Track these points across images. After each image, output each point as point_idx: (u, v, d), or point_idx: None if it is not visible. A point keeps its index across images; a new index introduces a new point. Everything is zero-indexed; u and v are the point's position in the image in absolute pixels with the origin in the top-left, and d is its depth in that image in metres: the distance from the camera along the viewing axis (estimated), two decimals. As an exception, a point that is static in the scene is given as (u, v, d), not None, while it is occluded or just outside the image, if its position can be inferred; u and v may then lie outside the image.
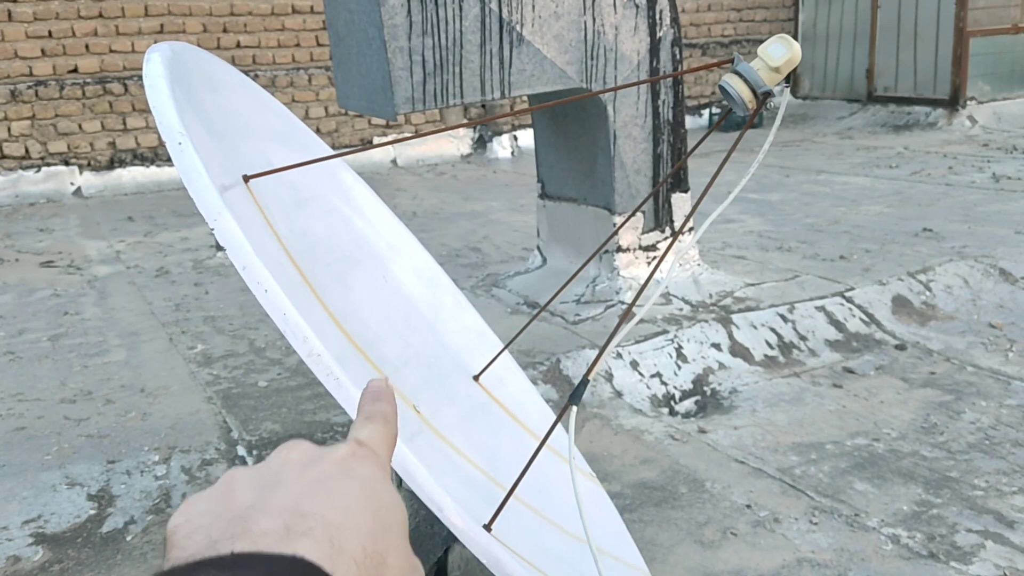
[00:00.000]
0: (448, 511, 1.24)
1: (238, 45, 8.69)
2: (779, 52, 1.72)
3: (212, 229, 1.24)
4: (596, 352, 3.71)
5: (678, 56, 4.20)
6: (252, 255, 1.24)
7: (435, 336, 2.39)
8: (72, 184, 8.23)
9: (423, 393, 2.07)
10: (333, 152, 2.21)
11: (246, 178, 1.77)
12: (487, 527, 1.47)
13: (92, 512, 2.80)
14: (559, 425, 1.93)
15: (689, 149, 4.56)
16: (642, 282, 4.25)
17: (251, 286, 1.22)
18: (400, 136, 9.39)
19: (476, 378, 2.36)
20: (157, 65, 1.51)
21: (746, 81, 1.74)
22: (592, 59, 3.91)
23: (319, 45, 9.04)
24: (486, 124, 9.92)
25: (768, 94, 1.76)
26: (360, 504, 0.45)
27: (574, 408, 1.66)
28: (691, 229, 4.50)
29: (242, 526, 0.42)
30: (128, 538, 2.68)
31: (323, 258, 2.10)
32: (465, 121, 9.51)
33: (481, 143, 9.86)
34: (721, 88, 1.79)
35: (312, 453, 0.49)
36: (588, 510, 1.65)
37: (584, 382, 1.69)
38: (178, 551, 0.42)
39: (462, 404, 2.22)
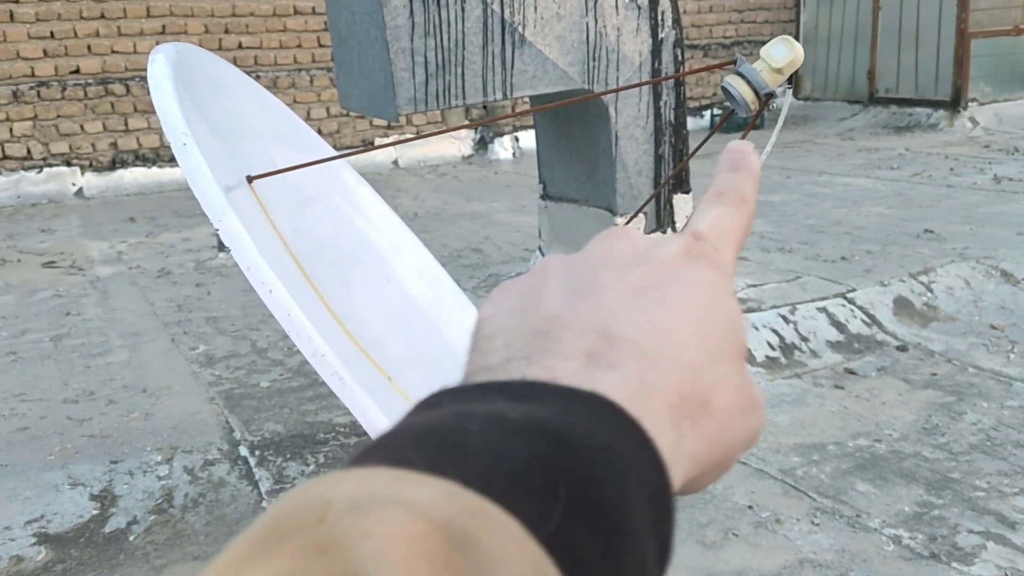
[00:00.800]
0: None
1: (240, 46, 8.70)
2: (782, 53, 1.72)
3: (217, 229, 1.24)
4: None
5: (680, 57, 4.20)
6: (257, 255, 1.25)
7: (438, 336, 2.39)
8: (74, 185, 8.24)
9: (426, 394, 2.08)
10: (336, 153, 2.22)
11: (249, 179, 1.78)
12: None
13: (95, 512, 2.80)
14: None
15: (691, 150, 4.56)
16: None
17: (256, 286, 1.22)
18: (402, 137, 9.40)
19: (478, 378, 2.36)
20: (162, 66, 1.52)
21: (748, 82, 1.75)
22: (594, 60, 3.92)
23: (321, 46, 9.05)
24: (487, 125, 9.93)
25: (770, 95, 1.76)
26: (685, 326, 0.37)
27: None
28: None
29: (542, 344, 0.36)
30: (131, 538, 2.69)
31: (326, 258, 2.10)
32: (467, 122, 9.52)
33: (482, 144, 9.87)
34: (723, 89, 1.79)
35: (638, 247, 0.41)
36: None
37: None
38: (477, 356, 0.37)
39: (464, 404, 2.22)
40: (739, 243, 0.42)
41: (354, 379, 1.28)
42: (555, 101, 3.99)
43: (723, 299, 0.39)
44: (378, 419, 1.26)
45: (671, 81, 4.23)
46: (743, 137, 1.86)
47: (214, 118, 1.77)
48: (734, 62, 1.82)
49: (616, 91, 2.33)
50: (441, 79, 3.57)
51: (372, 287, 2.25)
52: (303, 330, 1.24)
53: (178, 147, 1.32)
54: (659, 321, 0.37)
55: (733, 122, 9.96)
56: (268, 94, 2.27)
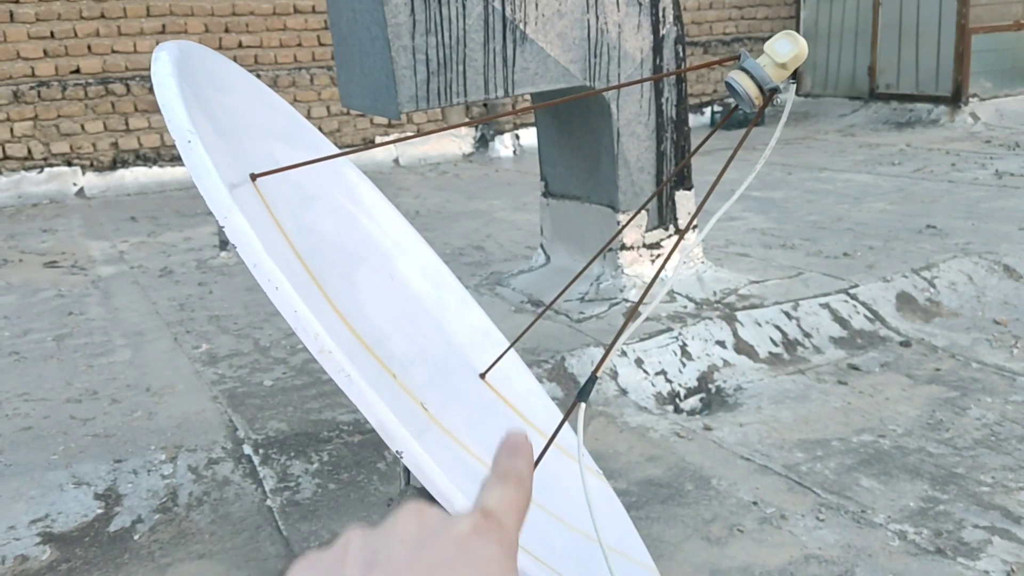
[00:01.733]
0: (460, 507, 1.24)
1: (240, 45, 8.69)
2: (786, 48, 1.72)
3: (223, 226, 1.24)
4: (601, 350, 3.71)
5: (681, 54, 4.20)
6: (263, 252, 1.24)
7: (441, 334, 2.39)
8: (75, 185, 8.24)
9: (430, 391, 2.08)
10: (338, 151, 2.22)
11: (253, 176, 1.78)
12: (497, 524, 1.47)
13: (99, 511, 2.80)
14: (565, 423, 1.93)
15: (692, 147, 4.56)
16: (646, 280, 4.26)
17: (262, 283, 1.22)
18: (403, 135, 9.39)
19: (483, 376, 2.37)
20: (165, 63, 1.51)
21: (752, 77, 1.74)
22: (595, 57, 3.91)
23: (321, 45, 9.04)
24: (488, 123, 9.93)
25: (775, 90, 1.76)
26: None
27: (583, 405, 1.66)
28: (695, 227, 4.50)
29: None
30: (135, 537, 2.69)
31: (329, 256, 2.10)
32: (467, 120, 9.51)
33: (483, 142, 9.86)
34: (727, 84, 1.78)
35: (432, 525, 0.45)
36: (596, 507, 1.65)
37: (592, 379, 1.69)
38: None
39: (469, 402, 2.22)
40: (521, 518, 0.48)
41: (361, 376, 1.28)
42: (556, 98, 3.99)
43: (509, 570, 0.44)
44: (386, 417, 1.25)
45: (673, 78, 4.23)
46: (747, 134, 1.84)
47: (217, 116, 1.77)
48: (738, 57, 1.81)
49: (618, 87, 2.33)
50: (442, 76, 3.57)
51: (376, 285, 2.25)
52: (310, 327, 1.23)
53: (183, 144, 1.31)
54: None
55: (735, 119, 9.95)
56: (271, 92, 2.27)
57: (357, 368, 1.30)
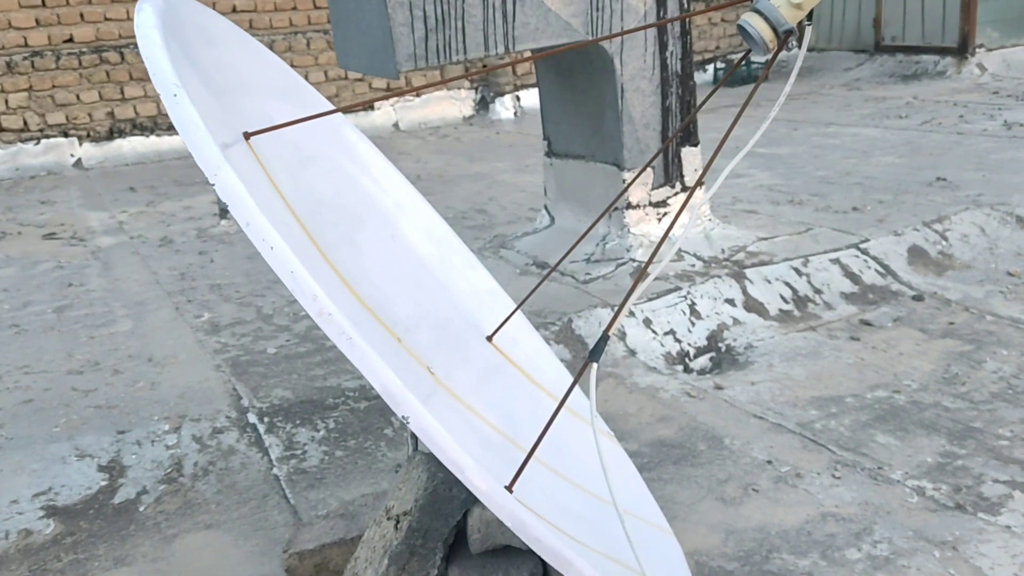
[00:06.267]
0: (470, 473, 1.19)
1: (234, 9, 8.55)
2: (801, -14, 1.63)
3: (212, 184, 1.17)
4: (608, 310, 3.65)
5: (686, 5, 4.09)
6: (256, 210, 1.18)
7: (446, 296, 2.33)
8: (72, 156, 8.15)
9: (437, 354, 2.02)
10: (334, 108, 2.14)
11: (247, 135, 1.70)
12: (508, 488, 1.42)
13: (103, 483, 2.77)
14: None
15: (699, 102, 4.46)
16: (652, 239, 4.18)
17: (256, 243, 1.16)
18: (404, 90, 9.28)
19: (490, 338, 2.31)
20: (149, 15, 1.44)
21: (767, 19, 1.66)
22: (597, 10, 3.81)
23: (316, 8, 8.90)
24: (488, 85, 9.78)
25: (789, 32, 1.68)
26: None
27: (595, 365, 1.60)
28: (702, 184, 4.41)
29: None
30: (141, 508, 2.65)
31: (330, 218, 2.03)
32: (466, 74, 9.39)
33: (483, 104, 9.73)
34: (740, 28, 1.70)
35: None
36: (610, 470, 1.59)
37: (604, 338, 1.63)
38: None
39: (477, 365, 2.17)
40: None
41: (363, 339, 1.22)
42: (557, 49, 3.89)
43: None
44: (389, 380, 1.20)
45: (677, 31, 4.12)
46: (757, 85, 1.76)
47: (207, 71, 1.69)
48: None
49: (621, 35, 2.25)
50: (441, 34, 3.47)
51: (378, 247, 2.19)
52: (307, 288, 1.17)
53: (168, 99, 1.24)
54: None
55: (738, 75, 9.82)
56: (263, 48, 2.19)
57: (360, 332, 1.24)
